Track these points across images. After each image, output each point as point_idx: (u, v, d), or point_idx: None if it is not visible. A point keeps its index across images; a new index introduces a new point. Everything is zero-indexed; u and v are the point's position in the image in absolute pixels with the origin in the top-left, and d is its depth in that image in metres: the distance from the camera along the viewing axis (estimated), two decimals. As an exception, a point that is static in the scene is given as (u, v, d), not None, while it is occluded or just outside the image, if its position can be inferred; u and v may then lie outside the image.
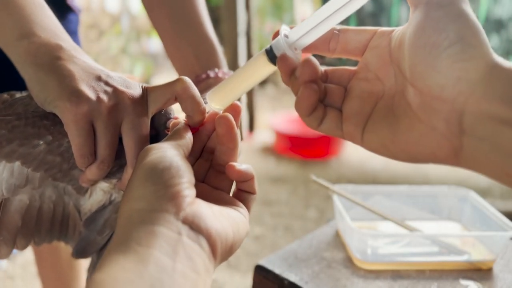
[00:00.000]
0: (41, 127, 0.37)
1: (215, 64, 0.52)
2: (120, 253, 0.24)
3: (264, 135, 3.03)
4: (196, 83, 0.50)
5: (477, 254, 0.59)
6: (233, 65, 2.92)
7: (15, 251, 0.40)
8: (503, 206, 1.75)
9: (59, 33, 0.39)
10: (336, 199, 0.64)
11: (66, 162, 0.39)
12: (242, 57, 2.93)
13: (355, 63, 0.35)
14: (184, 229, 0.26)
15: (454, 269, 0.57)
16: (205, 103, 0.37)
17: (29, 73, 0.37)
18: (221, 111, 0.36)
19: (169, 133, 0.35)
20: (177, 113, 0.41)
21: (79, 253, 0.44)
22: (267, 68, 0.34)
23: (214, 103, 0.36)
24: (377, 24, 2.58)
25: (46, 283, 0.92)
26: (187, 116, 0.37)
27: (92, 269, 0.47)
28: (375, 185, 0.70)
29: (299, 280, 0.53)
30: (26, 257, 1.59)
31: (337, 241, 0.64)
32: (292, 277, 0.54)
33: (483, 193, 1.97)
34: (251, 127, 3.13)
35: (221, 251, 0.28)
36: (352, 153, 2.62)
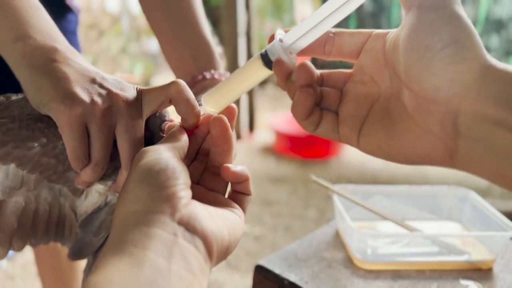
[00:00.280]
0: (36, 129, 0.37)
1: (211, 65, 0.52)
2: (116, 255, 0.24)
3: (264, 135, 3.03)
4: (193, 84, 0.51)
5: (477, 254, 0.59)
6: (233, 65, 2.92)
7: (12, 252, 0.40)
8: (503, 206, 1.75)
9: (54, 35, 0.39)
10: (336, 199, 0.64)
11: (61, 164, 0.39)
12: (242, 57, 2.93)
13: (345, 64, 0.35)
14: (180, 231, 0.26)
15: (454, 269, 0.57)
16: (200, 105, 0.37)
17: (24, 75, 0.37)
18: (216, 114, 0.36)
19: (164, 135, 0.35)
20: (173, 115, 0.41)
21: (75, 255, 0.44)
22: (262, 72, 0.34)
23: (209, 106, 0.36)
24: (377, 24, 2.58)
25: (46, 283, 0.92)
26: (182, 119, 0.37)
27: (88, 271, 0.47)
28: (375, 185, 0.70)
29: (299, 280, 0.53)
30: (26, 257, 1.59)
31: (337, 241, 0.64)
32: (292, 277, 0.54)
33: (483, 193, 1.97)
34: (251, 127, 3.13)
35: (217, 252, 0.28)
36: (352, 153, 2.62)
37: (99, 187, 0.42)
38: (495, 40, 2.31)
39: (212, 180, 0.36)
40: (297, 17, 4.10)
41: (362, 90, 0.32)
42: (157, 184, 0.28)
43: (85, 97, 0.35)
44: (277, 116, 3.00)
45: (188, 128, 0.37)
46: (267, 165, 2.52)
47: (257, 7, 3.88)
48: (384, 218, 0.64)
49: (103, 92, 0.37)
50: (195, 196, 0.30)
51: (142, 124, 0.38)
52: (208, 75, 0.51)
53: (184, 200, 0.28)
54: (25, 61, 0.37)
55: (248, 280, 1.48)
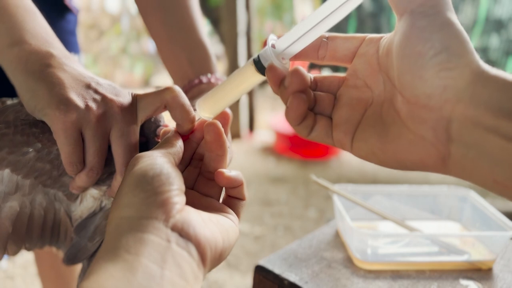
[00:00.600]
0: (30, 135, 0.37)
1: (208, 69, 0.52)
2: (109, 261, 0.24)
3: (264, 135, 3.03)
4: (189, 88, 0.51)
5: (477, 254, 0.59)
6: (233, 65, 2.92)
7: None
8: (503, 206, 1.75)
9: (50, 40, 0.39)
10: (336, 199, 0.64)
11: (56, 169, 0.39)
12: (242, 57, 2.93)
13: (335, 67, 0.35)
14: (173, 237, 0.26)
15: (454, 269, 0.57)
16: (194, 110, 0.37)
17: (20, 80, 0.37)
18: (211, 119, 0.36)
19: (159, 140, 0.35)
20: (168, 121, 0.41)
21: (70, 260, 0.44)
22: (255, 78, 0.34)
23: (203, 111, 0.36)
24: (377, 24, 2.58)
25: (46, 283, 0.92)
26: (177, 124, 0.37)
27: (82, 276, 0.47)
28: (375, 185, 0.70)
29: (299, 280, 0.53)
30: (26, 257, 1.59)
31: (337, 241, 0.64)
32: (292, 277, 0.54)
33: (483, 193, 1.97)
34: (251, 127, 3.13)
35: (210, 258, 0.28)
36: (352, 153, 2.62)
37: (93, 192, 0.42)
38: (495, 40, 2.31)
39: (207, 185, 0.36)
40: (297, 17, 4.10)
41: (355, 95, 0.32)
42: (151, 190, 0.28)
43: (79, 102, 0.35)
44: (277, 116, 3.00)
45: (183, 133, 0.37)
46: (267, 165, 2.52)
47: (257, 7, 3.88)
48: (384, 218, 0.64)
49: (98, 97, 0.37)
50: (190, 201, 0.30)
51: (137, 129, 0.38)
52: (204, 79, 0.51)
53: (178, 206, 0.28)
54: (20, 66, 0.37)
55: (248, 280, 1.48)
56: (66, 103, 0.35)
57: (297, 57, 0.33)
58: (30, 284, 1.47)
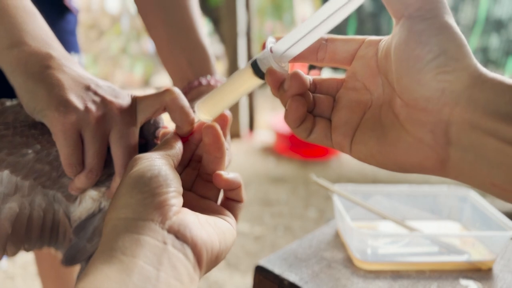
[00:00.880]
0: (29, 136, 0.37)
1: (207, 71, 0.52)
2: (105, 262, 0.24)
3: (264, 135, 3.03)
4: (189, 90, 0.51)
5: (477, 254, 0.59)
6: (233, 65, 2.92)
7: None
8: (503, 206, 1.75)
9: (49, 42, 0.39)
10: (336, 199, 0.64)
11: (55, 170, 0.39)
12: (242, 57, 2.94)
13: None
14: (169, 238, 0.26)
15: (454, 269, 0.57)
16: (193, 112, 0.37)
17: (19, 82, 0.37)
18: (210, 122, 0.36)
19: (158, 142, 0.35)
20: (167, 123, 0.41)
21: (69, 261, 0.44)
22: (254, 81, 0.34)
23: (202, 113, 0.36)
24: (377, 24, 2.58)
25: (46, 283, 0.92)
26: (176, 126, 0.37)
27: None
28: (375, 185, 0.70)
29: (299, 280, 0.53)
30: (26, 257, 1.59)
31: (337, 241, 0.64)
32: (292, 277, 0.54)
33: (483, 193, 1.97)
34: (251, 127, 3.13)
35: (206, 261, 0.28)
36: (352, 153, 2.62)
37: (93, 193, 0.42)
38: (495, 40, 2.31)
39: (205, 187, 0.36)
40: (297, 17, 4.10)
41: (354, 97, 0.32)
42: (148, 191, 0.28)
43: (79, 104, 0.36)
44: (277, 116, 3.00)
45: (182, 135, 0.37)
46: (267, 165, 2.52)
47: (257, 7, 3.88)
48: (384, 218, 0.64)
49: (97, 99, 0.37)
50: (187, 203, 0.30)
51: (136, 131, 0.38)
52: (204, 81, 0.51)
53: (175, 208, 0.28)
54: (20, 67, 0.37)
55: (248, 280, 1.48)
56: (65, 105, 0.35)
57: (296, 59, 0.33)
58: (30, 284, 1.47)
